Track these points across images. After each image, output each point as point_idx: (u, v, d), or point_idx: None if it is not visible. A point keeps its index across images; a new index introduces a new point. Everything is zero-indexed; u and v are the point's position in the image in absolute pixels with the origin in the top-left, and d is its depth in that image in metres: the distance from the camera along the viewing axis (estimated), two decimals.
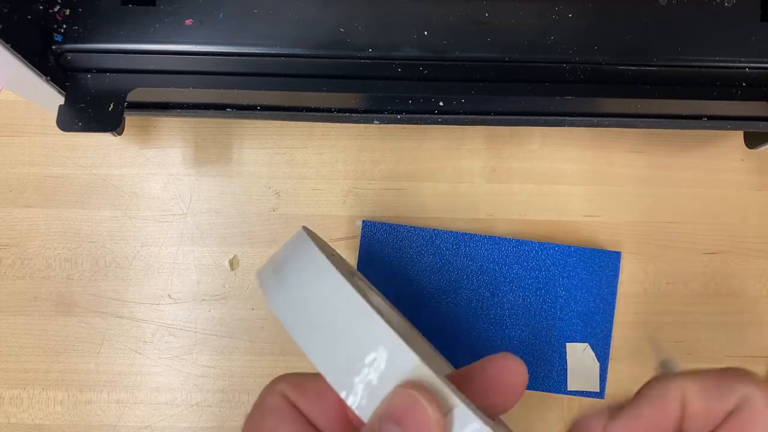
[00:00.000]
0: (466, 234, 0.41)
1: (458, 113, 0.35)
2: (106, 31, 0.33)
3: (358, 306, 0.20)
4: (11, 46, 0.29)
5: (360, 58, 0.34)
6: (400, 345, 0.20)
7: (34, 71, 0.31)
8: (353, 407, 0.20)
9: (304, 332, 0.21)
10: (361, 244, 0.41)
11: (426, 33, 0.34)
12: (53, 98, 0.33)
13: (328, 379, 0.20)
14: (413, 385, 0.19)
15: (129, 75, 0.34)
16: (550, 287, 0.41)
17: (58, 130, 0.32)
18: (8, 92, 0.43)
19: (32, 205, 0.42)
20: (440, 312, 0.41)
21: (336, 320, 0.21)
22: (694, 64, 0.34)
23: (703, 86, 0.35)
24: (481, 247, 0.41)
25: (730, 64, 0.34)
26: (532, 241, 0.41)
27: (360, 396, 0.20)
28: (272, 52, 0.33)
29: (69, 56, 0.33)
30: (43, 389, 0.41)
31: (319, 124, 0.42)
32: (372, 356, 0.20)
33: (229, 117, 0.37)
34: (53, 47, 0.33)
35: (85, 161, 0.42)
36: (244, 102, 0.35)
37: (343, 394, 0.20)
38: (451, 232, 0.41)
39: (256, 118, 0.39)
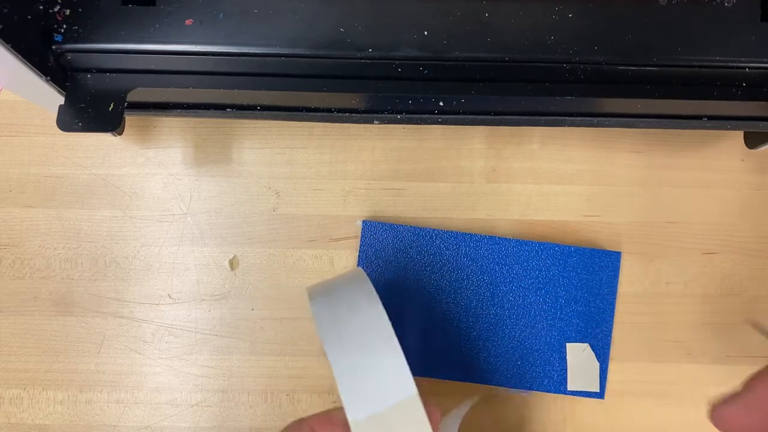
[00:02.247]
0: (466, 234, 0.41)
1: (458, 113, 0.35)
2: (106, 31, 0.33)
3: (393, 350, 0.22)
4: (11, 46, 0.29)
5: (360, 58, 0.33)
6: (416, 397, 0.21)
7: (34, 71, 0.31)
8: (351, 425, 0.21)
9: (340, 357, 0.23)
10: (361, 244, 0.41)
11: (426, 33, 0.34)
12: (53, 98, 0.33)
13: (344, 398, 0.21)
14: None
15: (129, 75, 0.34)
16: (550, 287, 0.41)
17: (58, 130, 0.32)
18: (8, 92, 0.43)
19: (32, 205, 0.42)
20: (440, 312, 0.41)
21: (370, 358, 0.23)
22: (694, 64, 0.34)
23: (703, 86, 0.35)
24: (481, 247, 0.41)
25: (730, 64, 0.34)
26: (532, 241, 0.41)
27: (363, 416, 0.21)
28: (272, 52, 0.33)
29: (69, 56, 0.33)
30: (43, 389, 0.41)
31: (319, 124, 0.42)
32: (388, 395, 0.21)
33: (229, 117, 0.37)
34: (53, 47, 0.33)
35: (85, 161, 0.42)
36: (244, 102, 0.35)
37: (350, 417, 0.21)
38: (451, 232, 0.41)
39: (256, 118, 0.39)
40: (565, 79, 0.34)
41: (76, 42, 0.33)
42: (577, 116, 0.36)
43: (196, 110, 0.36)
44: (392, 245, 0.41)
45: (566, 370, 0.41)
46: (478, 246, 0.41)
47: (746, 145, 0.42)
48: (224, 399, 0.41)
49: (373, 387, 0.21)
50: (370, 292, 0.24)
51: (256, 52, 0.33)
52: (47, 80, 0.32)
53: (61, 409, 0.41)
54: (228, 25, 0.33)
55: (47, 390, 0.41)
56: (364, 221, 0.41)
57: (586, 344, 0.41)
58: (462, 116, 0.36)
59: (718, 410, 0.23)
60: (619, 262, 0.41)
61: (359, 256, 0.41)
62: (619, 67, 0.34)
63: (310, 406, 0.41)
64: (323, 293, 0.25)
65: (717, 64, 0.34)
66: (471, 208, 0.42)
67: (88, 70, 0.34)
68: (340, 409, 0.24)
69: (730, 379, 0.42)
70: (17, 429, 0.41)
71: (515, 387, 0.41)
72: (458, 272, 0.41)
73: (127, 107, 0.33)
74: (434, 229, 0.41)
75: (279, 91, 0.34)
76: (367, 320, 0.23)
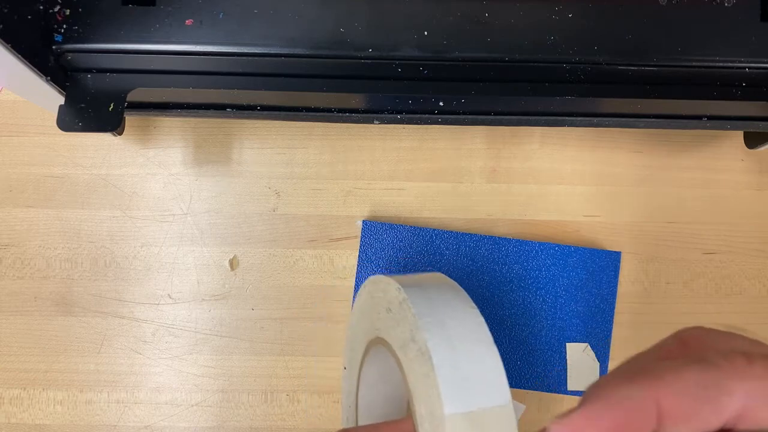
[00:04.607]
0: (466, 234, 0.41)
1: (458, 113, 0.35)
2: (106, 31, 0.33)
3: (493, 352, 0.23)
4: (11, 46, 0.29)
5: (360, 58, 0.34)
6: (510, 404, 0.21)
7: (34, 71, 0.31)
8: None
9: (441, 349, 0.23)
10: (361, 244, 0.41)
11: (426, 33, 0.34)
12: (53, 98, 0.33)
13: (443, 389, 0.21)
14: None
15: (129, 75, 0.34)
16: (550, 287, 0.41)
17: (58, 130, 0.32)
18: (8, 92, 0.43)
19: (32, 205, 0.42)
20: None
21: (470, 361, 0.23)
22: (694, 64, 0.34)
23: (703, 86, 0.35)
24: (481, 247, 0.41)
25: (730, 64, 0.34)
26: (532, 241, 0.41)
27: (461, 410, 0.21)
28: (272, 52, 0.33)
29: (69, 56, 0.33)
30: (43, 389, 0.41)
31: (319, 124, 0.42)
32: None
33: (229, 117, 0.37)
34: (53, 47, 0.33)
35: (85, 161, 0.42)
36: (244, 102, 0.35)
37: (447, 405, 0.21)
38: (451, 232, 0.41)
39: (256, 118, 0.39)
40: (565, 79, 0.34)
41: (76, 42, 0.33)
42: (577, 116, 0.36)
43: (196, 110, 0.36)
44: (392, 245, 0.41)
45: (566, 370, 0.41)
46: (477, 246, 0.41)
47: (746, 145, 0.42)
48: (224, 399, 0.41)
49: (473, 387, 0.21)
50: (468, 299, 0.25)
51: (256, 52, 0.33)
52: (47, 80, 0.32)
53: (61, 409, 0.41)
54: (228, 25, 0.33)
55: (47, 390, 0.41)
56: (364, 221, 0.41)
57: (586, 344, 0.41)
58: (462, 116, 0.36)
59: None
60: (619, 262, 0.41)
61: (359, 256, 0.41)
62: (619, 67, 0.34)
63: (310, 406, 0.41)
64: (414, 286, 0.25)
65: (717, 64, 0.34)
66: (471, 208, 0.42)
67: (88, 70, 0.34)
68: (387, 424, 0.24)
69: None
70: (17, 429, 0.41)
71: (515, 387, 0.41)
72: (458, 272, 0.41)
73: (127, 107, 0.33)
74: (434, 229, 0.41)
75: (279, 91, 0.34)
76: (469, 322, 0.23)
